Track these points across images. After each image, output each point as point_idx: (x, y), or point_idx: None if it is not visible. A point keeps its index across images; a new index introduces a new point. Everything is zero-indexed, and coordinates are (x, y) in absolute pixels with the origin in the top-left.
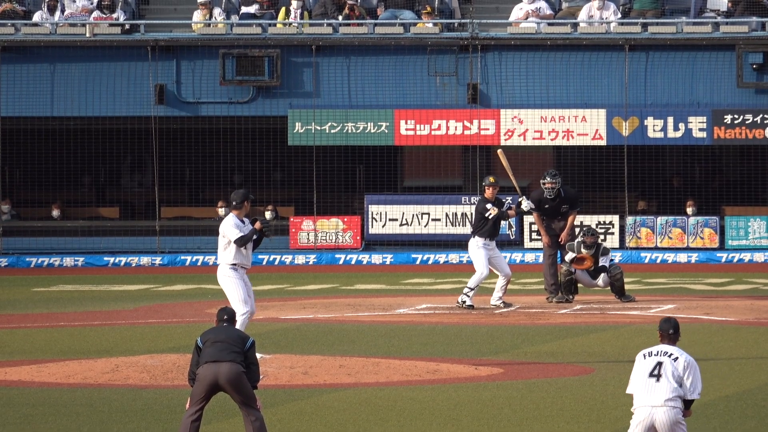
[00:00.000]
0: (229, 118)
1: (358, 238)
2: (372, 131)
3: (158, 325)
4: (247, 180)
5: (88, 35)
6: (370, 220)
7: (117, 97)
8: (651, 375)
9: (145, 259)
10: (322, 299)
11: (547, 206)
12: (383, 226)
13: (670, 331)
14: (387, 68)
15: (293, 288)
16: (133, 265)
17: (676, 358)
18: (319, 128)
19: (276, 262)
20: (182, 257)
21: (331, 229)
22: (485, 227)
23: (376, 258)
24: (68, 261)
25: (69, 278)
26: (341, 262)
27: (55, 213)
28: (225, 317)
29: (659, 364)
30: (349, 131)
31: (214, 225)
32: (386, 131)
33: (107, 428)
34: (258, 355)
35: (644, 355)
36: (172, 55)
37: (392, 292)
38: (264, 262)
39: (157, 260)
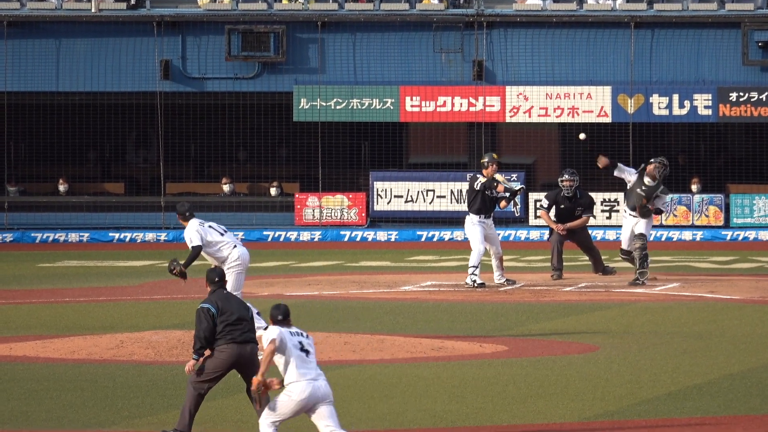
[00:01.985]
0: (234, 93)
1: (363, 214)
2: (377, 107)
3: (163, 301)
4: (252, 156)
5: (93, 10)
6: (375, 196)
7: (122, 72)
8: (302, 350)
9: (150, 235)
10: (327, 276)
11: (562, 206)
12: (388, 203)
13: (279, 317)
14: (392, 45)
15: (298, 265)
16: (138, 241)
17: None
18: (324, 104)
19: (281, 239)
20: None
21: (336, 205)
22: (476, 203)
23: (381, 235)
24: (73, 237)
25: (74, 254)
26: (346, 238)
27: (62, 188)
28: (216, 279)
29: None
30: (355, 107)
31: (219, 201)
32: (391, 108)
33: (112, 403)
34: (261, 331)
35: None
36: (178, 30)
37: (397, 269)
38: (269, 239)
39: (162, 236)
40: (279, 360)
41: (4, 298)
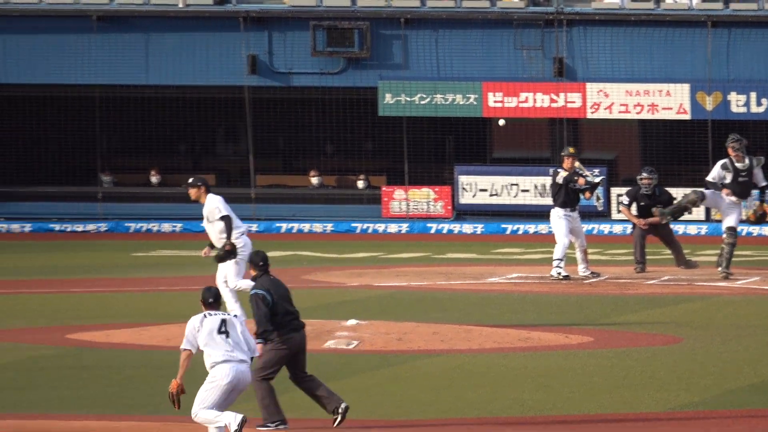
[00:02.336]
0: (320, 88)
1: (449, 207)
2: (461, 103)
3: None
4: (339, 149)
5: (180, 5)
6: (460, 190)
7: (210, 66)
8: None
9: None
10: (415, 267)
11: (642, 203)
12: (473, 197)
13: (209, 300)
14: (474, 41)
15: (386, 256)
16: None
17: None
18: (408, 99)
19: (369, 231)
20: (277, 224)
21: (422, 198)
22: (561, 196)
23: (467, 227)
24: (166, 227)
25: (167, 243)
26: (433, 231)
27: (154, 179)
28: (261, 263)
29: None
30: (438, 103)
31: (307, 193)
32: (474, 103)
33: None
34: (353, 321)
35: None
36: (264, 26)
37: (483, 261)
38: (357, 230)
39: (254, 227)
40: (200, 346)
41: (101, 286)
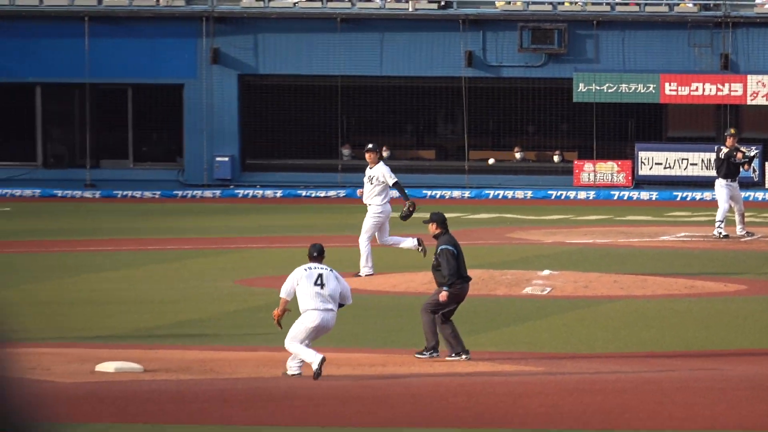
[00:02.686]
0: (524, 79)
1: (629, 178)
2: (641, 91)
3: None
4: (539, 129)
5: (410, 9)
6: (639, 163)
7: (434, 60)
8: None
9: (456, 192)
10: (600, 228)
11: None
12: (650, 169)
13: (314, 254)
14: (654, 40)
15: (576, 218)
16: (446, 197)
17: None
18: (598, 88)
19: (562, 197)
20: (486, 191)
21: (607, 170)
22: (723, 169)
23: (644, 195)
24: (393, 194)
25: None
26: (615, 197)
27: (385, 154)
28: (444, 221)
29: (320, 275)
30: (623, 91)
31: (511, 166)
32: (653, 91)
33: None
34: (547, 272)
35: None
36: (479, 27)
37: (657, 222)
38: (552, 197)
39: (467, 193)
40: (297, 292)
41: (340, 242)
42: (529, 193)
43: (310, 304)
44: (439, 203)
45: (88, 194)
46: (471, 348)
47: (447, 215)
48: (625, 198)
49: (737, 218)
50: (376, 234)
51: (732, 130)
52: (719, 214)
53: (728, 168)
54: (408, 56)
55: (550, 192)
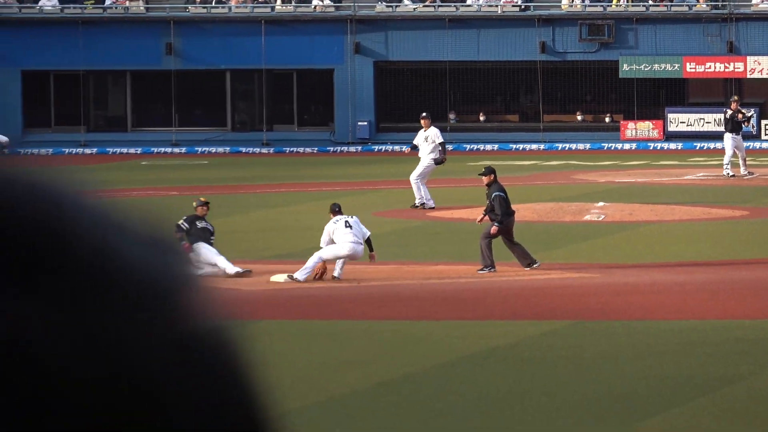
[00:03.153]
0: (583, 61)
1: (661, 133)
2: (669, 69)
3: (539, 186)
4: (594, 98)
5: (499, 12)
6: (668, 122)
7: (516, 49)
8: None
9: (533, 146)
10: (640, 170)
11: None
12: (676, 126)
13: (336, 209)
14: (678, 31)
15: (622, 163)
16: (527, 149)
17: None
18: (637, 67)
19: (612, 148)
20: (556, 144)
21: (645, 128)
22: (729, 125)
23: (672, 145)
24: (488, 147)
25: (489, 159)
26: (651, 148)
27: (482, 118)
28: (493, 173)
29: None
30: (656, 69)
31: (574, 125)
32: (678, 69)
33: None
34: (601, 203)
35: None
36: (550, 23)
37: (682, 165)
38: (605, 148)
39: (541, 146)
40: (335, 239)
41: (442, 183)
42: (588, 145)
43: (346, 239)
44: (521, 154)
45: (264, 150)
46: (545, 261)
47: (526, 163)
48: (658, 148)
49: (741, 162)
50: (419, 175)
51: (735, 97)
52: (725, 159)
53: (733, 125)
54: (497, 45)
55: (603, 144)
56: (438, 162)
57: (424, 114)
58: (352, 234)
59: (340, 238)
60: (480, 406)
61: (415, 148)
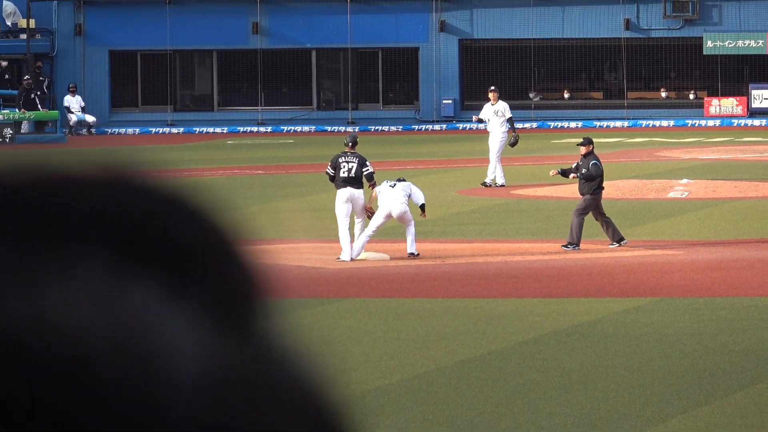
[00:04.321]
0: (667, 38)
1: (745, 110)
2: (753, 45)
3: (623, 162)
4: (678, 75)
5: None
6: (752, 99)
7: (601, 26)
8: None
9: (618, 123)
10: (724, 147)
11: None
12: (760, 103)
13: (390, 183)
14: (762, 8)
15: (706, 140)
16: (611, 126)
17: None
18: (721, 44)
19: (696, 125)
20: (640, 121)
21: (729, 105)
22: None
23: (756, 122)
24: (573, 124)
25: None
26: (735, 124)
27: (566, 95)
28: (591, 144)
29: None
30: (739, 45)
31: (659, 102)
32: (762, 45)
33: None
34: (685, 180)
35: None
36: (634, 0)
37: (766, 142)
38: (689, 125)
39: (625, 123)
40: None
41: (530, 161)
42: (672, 122)
43: (385, 197)
44: (605, 132)
45: (350, 129)
46: (630, 237)
47: (610, 140)
48: (742, 125)
49: None
50: (498, 151)
51: None
52: None
53: None
54: (582, 23)
55: (686, 121)
56: (513, 144)
57: (492, 87)
58: (392, 192)
59: (383, 198)
60: (564, 383)
61: (481, 121)
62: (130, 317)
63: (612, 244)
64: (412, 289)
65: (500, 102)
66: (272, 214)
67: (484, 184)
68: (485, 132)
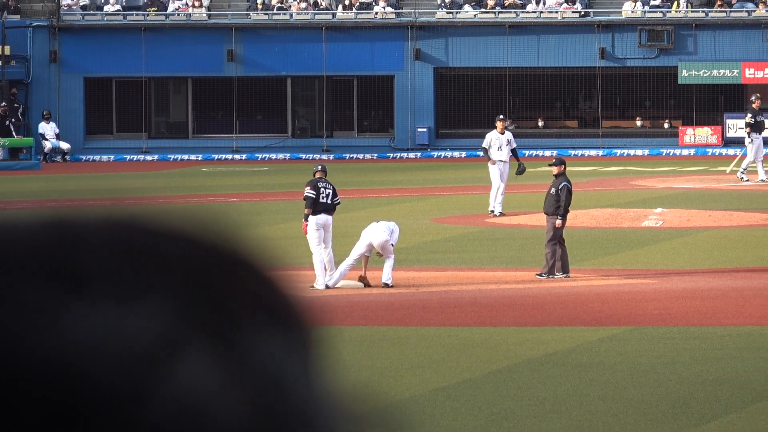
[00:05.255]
0: (642, 67)
1: (720, 139)
2: (728, 75)
3: (598, 192)
4: (653, 104)
5: (559, 18)
6: (727, 128)
7: (576, 54)
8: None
9: (592, 152)
10: (698, 176)
11: None
12: (735, 132)
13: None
14: (737, 37)
15: (681, 169)
16: (585, 155)
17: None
18: (696, 73)
19: (670, 154)
20: (615, 150)
21: (703, 134)
22: None
23: (731, 151)
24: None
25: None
26: (710, 154)
27: (540, 123)
28: (563, 164)
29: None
30: (714, 75)
31: (636, 131)
32: (737, 75)
33: None
34: (659, 209)
35: None
36: (609, 29)
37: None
38: (663, 154)
39: (600, 152)
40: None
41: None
42: (647, 151)
43: (369, 231)
44: (580, 160)
45: (324, 157)
46: (604, 266)
47: (585, 169)
48: (717, 154)
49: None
50: (505, 179)
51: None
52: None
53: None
54: (557, 52)
55: (661, 150)
56: (521, 172)
57: (501, 116)
58: (376, 226)
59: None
60: (538, 412)
61: (486, 152)
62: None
63: (546, 275)
64: (387, 318)
65: (507, 131)
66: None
67: (493, 212)
68: (478, 160)
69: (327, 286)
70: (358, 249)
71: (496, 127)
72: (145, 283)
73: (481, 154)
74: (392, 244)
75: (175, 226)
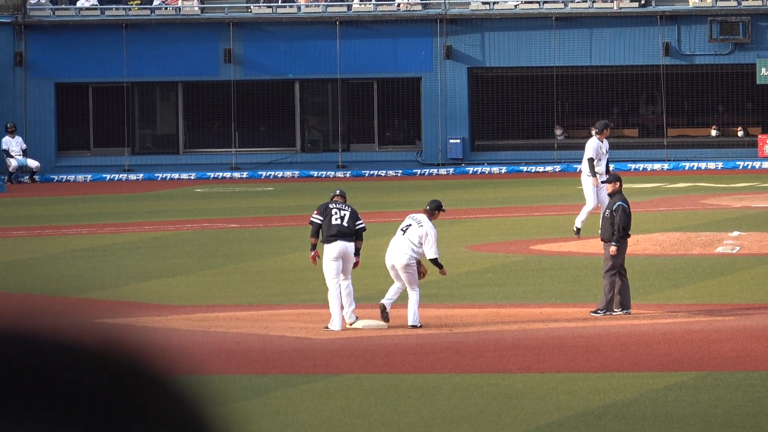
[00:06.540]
0: (714, 65)
1: None
2: None
3: (663, 212)
4: (727, 109)
5: (615, 8)
6: None
7: (636, 51)
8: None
9: (656, 165)
10: None
11: None
12: None
13: (426, 208)
14: None
15: (761, 185)
16: (648, 170)
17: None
18: None
19: (748, 167)
20: (682, 163)
21: None
22: None
23: None
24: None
25: None
26: None
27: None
28: (619, 182)
29: (408, 225)
30: None
31: (705, 141)
32: None
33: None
34: (736, 233)
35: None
36: (674, 21)
37: None
38: (739, 167)
39: (665, 166)
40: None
41: (553, 211)
42: (720, 164)
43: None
44: (641, 175)
45: (340, 174)
46: (670, 301)
47: (648, 185)
48: None
49: None
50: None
51: None
52: None
53: None
54: (613, 48)
55: (737, 162)
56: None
57: (606, 121)
58: (399, 240)
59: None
60: None
61: (592, 167)
62: None
63: (603, 312)
64: (415, 364)
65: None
66: (248, 275)
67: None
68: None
69: (344, 328)
70: (393, 279)
71: (593, 135)
72: (27, 400)
73: (579, 168)
74: (428, 257)
75: (62, 341)
